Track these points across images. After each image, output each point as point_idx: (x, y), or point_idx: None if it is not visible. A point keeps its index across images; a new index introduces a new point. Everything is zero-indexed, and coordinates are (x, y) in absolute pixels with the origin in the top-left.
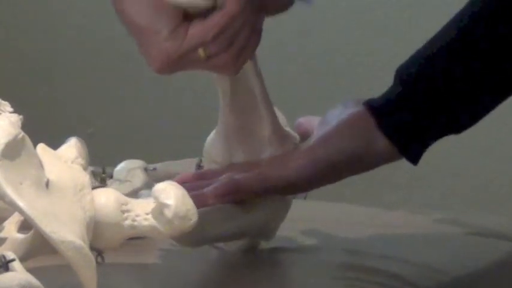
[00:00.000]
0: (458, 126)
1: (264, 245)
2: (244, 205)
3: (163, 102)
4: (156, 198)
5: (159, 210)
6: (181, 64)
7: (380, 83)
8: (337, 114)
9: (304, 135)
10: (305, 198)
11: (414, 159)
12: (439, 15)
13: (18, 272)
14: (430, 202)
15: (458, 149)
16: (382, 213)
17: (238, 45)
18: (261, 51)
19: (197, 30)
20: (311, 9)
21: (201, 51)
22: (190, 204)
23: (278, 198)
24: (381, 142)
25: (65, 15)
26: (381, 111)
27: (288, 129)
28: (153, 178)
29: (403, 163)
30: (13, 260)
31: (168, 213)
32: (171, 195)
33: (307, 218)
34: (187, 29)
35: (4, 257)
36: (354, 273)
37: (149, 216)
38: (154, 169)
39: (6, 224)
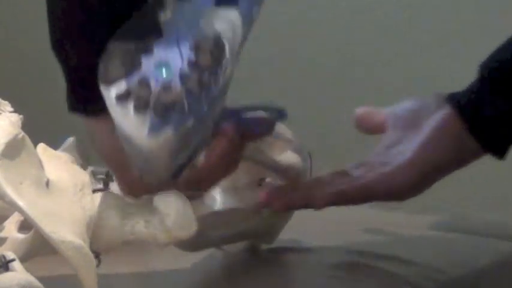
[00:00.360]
0: None
1: (264, 245)
2: (244, 211)
3: None
4: (157, 207)
5: (159, 219)
6: (150, 192)
7: (380, 82)
8: (409, 109)
9: (367, 128)
10: None
11: (504, 156)
12: (439, 15)
13: (18, 272)
14: (430, 202)
15: None
16: (381, 213)
17: (212, 181)
18: (261, 51)
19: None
20: (310, 10)
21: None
22: (191, 215)
23: None
24: (471, 143)
25: None
26: (470, 114)
27: (293, 158)
28: None
29: None
30: (13, 260)
31: (169, 222)
32: (172, 205)
33: (307, 218)
34: None
35: (4, 257)
36: (354, 273)
37: (149, 223)
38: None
39: (7, 223)
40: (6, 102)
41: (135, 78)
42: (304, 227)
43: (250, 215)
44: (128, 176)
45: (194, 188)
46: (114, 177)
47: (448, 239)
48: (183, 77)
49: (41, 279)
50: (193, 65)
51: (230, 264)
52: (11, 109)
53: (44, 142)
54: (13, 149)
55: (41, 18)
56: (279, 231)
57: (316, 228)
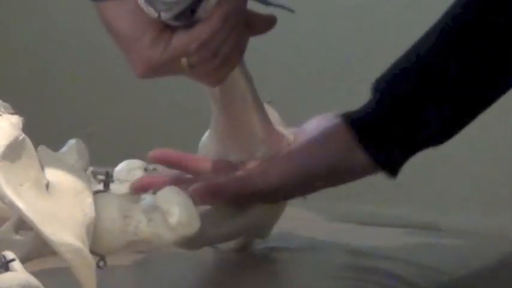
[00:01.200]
0: (436, 139)
1: (264, 243)
2: (239, 205)
3: (163, 102)
4: (159, 205)
5: (162, 217)
6: (163, 71)
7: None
8: (316, 125)
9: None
10: (305, 198)
11: (393, 173)
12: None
13: (18, 272)
14: (430, 202)
15: (458, 149)
16: (381, 213)
17: (220, 58)
18: (260, 51)
19: (180, 40)
20: (311, 10)
21: (183, 61)
22: (194, 212)
23: None
24: (360, 155)
25: (66, 16)
26: (358, 124)
27: (281, 128)
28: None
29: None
30: (13, 260)
31: (172, 220)
32: (174, 202)
33: (306, 217)
34: (169, 38)
35: (4, 257)
36: (354, 273)
37: (152, 222)
38: (155, 169)
39: (7, 225)
40: (7, 104)
41: None
42: (303, 227)
43: (243, 210)
44: (139, 51)
45: (203, 58)
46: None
47: (448, 240)
48: None
49: (41, 279)
50: None
51: (226, 264)
52: (12, 111)
53: (44, 144)
54: (13, 151)
55: (41, 18)
56: (272, 225)
57: (315, 228)
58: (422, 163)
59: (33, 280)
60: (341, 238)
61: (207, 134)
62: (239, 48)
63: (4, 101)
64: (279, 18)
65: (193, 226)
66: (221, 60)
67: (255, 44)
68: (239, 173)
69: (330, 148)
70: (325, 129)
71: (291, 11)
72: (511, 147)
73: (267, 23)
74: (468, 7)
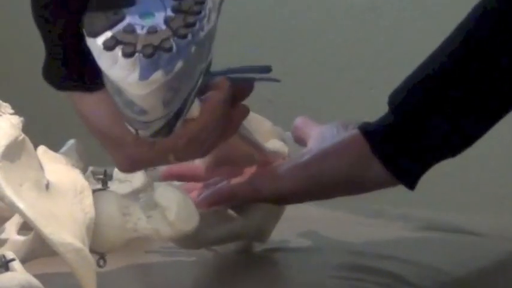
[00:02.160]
0: (452, 150)
1: (265, 245)
2: (240, 208)
3: None
4: (158, 202)
5: (161, 214)
6: (148, 165)
7: (380, 83)
8: (334, 133)
9: (299, 139)
10: None
11: (411, 185)
12: (439, 15)
13: (18, 272)
14: (430, 202)
15: None
16: (381, 213)
17: (209, 143)
18: (260, 51)
19: (167, 139)
20: (310, 10)
21: (170, 157)
22: (192, 208)
23: None
24: (377, 168)
25: None
26: (375, 137)
27: (276, 144)
28: (153, 178)
29: None
30: (13, 259)
31: (170, 216)
32: (172, 198)
33: (306, 218)
34: None
35: (4, 256)
36: (354, 273)
37: (151, 218)
38: (154, 169)
39: (7, 225)
40: (7, 104)
41: (120, 27)
42: (303, 226)
43: (241, 213)
44: (122, 149)
45: (191, 152)
46: (111, 175)
47: (448, 239)
48: (167, 20)
49: (41, 279)
50: (177, 10)
51: (226, 264)
52: (12, 111)
53: (44, 144)
54: (13, 151)
55: None
56: (272, 228)
57: (316, 229)
58: None
59: (33, 280)
60: (341, 238)
61: None
62: (225, 134)
63: (4, 101)
64: (279, 17)
65: (192, 221)
66: (209, 146)
67: (255, 44)
68: (249, 178)
69: (345, 159)
70: (341, 139)
71: (277, 81)
72: (510, 147)
73: (245, 93)
74: (487, 16)
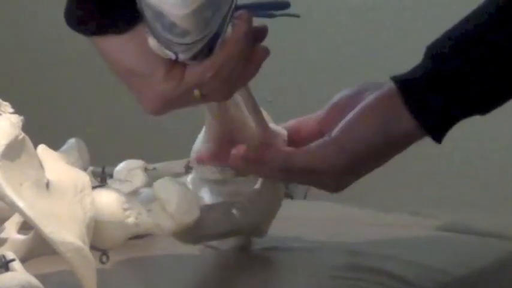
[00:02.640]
0: (483, 107)
1: (264, 244)
2: (237, 203)
3: None
4: (157, 195)
5: (161, 207)
6: (176, 104)
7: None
8: (354, 97)
9: (295, 138)
10: (305, 197)
11: (439, 138)
12: (439, 15)
13: (18, 272)
14: (431, 202)
15: (458, 149)
16: (381, 213)
17: (233, 80)
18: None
19: (194, 72)
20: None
21: (196, 92)
22: (191, 199)
23: (269, 195)
24: (406, 121)
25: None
26: (409, 88)
27: (273, 125)
28: (153, 178)
29: (403, 163)
30: (13, 260)
31: (170, 209)
32: (171, 191)
33: (306, 217)
34: (183, 70)
35: (4, 257)
36: (354, 273)
37: (151, 213)
38: (154, 169)
39: (7, 224)
40: (7, 103)
41: None
42: (302, 226)
43: (241, 206)
44: (151, 86)
45: (216, 88)
46: (111, 174)
47: (448, 239)
48: None
49: (40, 279)
50: None
51: (226, 264)
52: (12, 110)
53: (44, 142)
54: (13, 150)
55: (41, 18)
56: (270, 222)
57: (315, 228)
58: (423, 163)
59: (33, 280)
60: (341, 238)
61: (199, 139)
62: (254, 65)
63: (4, 100)
64: (279, 19)
65: (193, 213)
66: (233, 82)
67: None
68: (284, 149)
69: (374, 122)
70: (367, 104)
71: (297, 16)
72: (510, 147)
73: (262, 34)
74: None
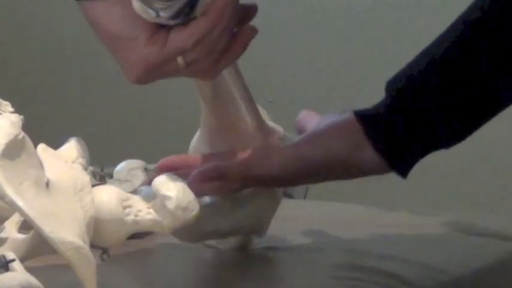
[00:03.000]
0: (447, 141)
1: (264, 244)
2: (236, 201)
3: (163, 102)
4: (157, 192)
5: (160, 203)
6: (160, 72)
7: (380, 83)
8: (329, 118)
9: (302, 130)
10: (305, 197)
11: (403, 173)
12: (439, 15)
13: (18, 272)
14: (430, 202)
15: (458, 149)
16: (382, 213)
17: (217, 52)
18: (260, 52)
19: (177, 37)
20: (311, 10)
21: (179, 59)
22: (191, 195)
23: (268, 194)
24: (368, 152)
25: (66, 16)
26: (370, 121)
27: (270, 123)
28: (152, 178)
29: None
30: (13, 260)
31: (170, 205)
32: (171, 187)
33: (306, 217)
34: (166, 36)
35: (4, 257)
36: (354, 273)
37: (151, 210)
38: (154, 170)
39: (7, 224)
40: (7, 102)
41: None
42: (302, 226)
43: (238, 205)
44: (134, 51)
45: (200, 57)
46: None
47: (448, 239)
48: None
49: (41, 278)
50: None
51: (226, 263)
52: (12, 109)
53: (44, 142)
54: (13, 150)
55: (41, 18)
56: (269, 221)
57: (316, 228)
58: (422, 163)
59: (33, 280)
60: (341, 238)
61: (196, 136)
62: (240, 43)
63: (4, 99)
64: (279, 19)
65: (192, 209)
66: (218, 53)
67: (255, 43)
68: (243, 157)
69: (336, 139)
70: (334, 122)
71: None
72: (510, 146)
73: (251, 12)
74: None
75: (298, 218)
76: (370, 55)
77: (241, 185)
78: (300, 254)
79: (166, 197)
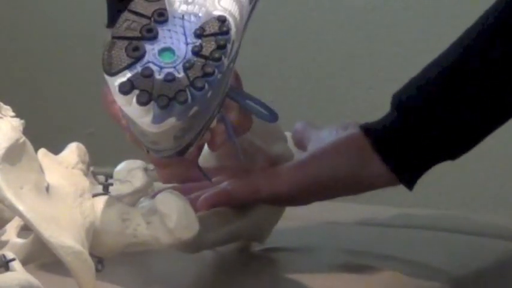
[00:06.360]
0: (453, 153)
1: (264, 245)
2: (239, 209)
3: None
4: (158, 208)
5: (160, 220)
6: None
7: (380, 83)
8: (333, 133)
9: (300, 144)
10: None
11: (409, 184)
12: (439, 15)
13: (18, 272)
14: (430, 202)
15: None
16: (382, 213)
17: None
18: (261, 51)
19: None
20: (312, 11)
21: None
22: (192, 215)
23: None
24: (376, 166)
25: (66, 16)
26: (377, 135)
27: (283, 148)
28: (153, 178)
29: None
30: (13, 259)
31: (170, 223)
32: (172, 205)
33: (306, 217)
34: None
35: (4, 256)
36: (354, 273)
37: (151, 225)
38: (154, 169)
39: (7, 228)
40: (8, 107)
41: (138, 68)
42: (302, 226)
43: (240, 214)
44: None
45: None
46: (111, 175)
47: (448, 239)
48: (186, 67)
49: (40, 278)
50: (197, 53)
51: (225, 264)
52: (13, 114)
53: (44, 144)
54: (14, 154)
55: (41, 19)
56: (271, 229)
57: (315, 228)
58: None
59: (33, 280)
60: (341, 238)
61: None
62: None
63: (5, 103)
64: (279, 19)
65: (192, 230)
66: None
67: (255, 44)
68: (248, 179)
69: (344, 156)
70: (341, 137)
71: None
72: (511, 147)
73: (245, 127)
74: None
75: (298, 218)
76: (370, 55)
77: (247, 204)
78: (299, 254)
79: (166, 216)
